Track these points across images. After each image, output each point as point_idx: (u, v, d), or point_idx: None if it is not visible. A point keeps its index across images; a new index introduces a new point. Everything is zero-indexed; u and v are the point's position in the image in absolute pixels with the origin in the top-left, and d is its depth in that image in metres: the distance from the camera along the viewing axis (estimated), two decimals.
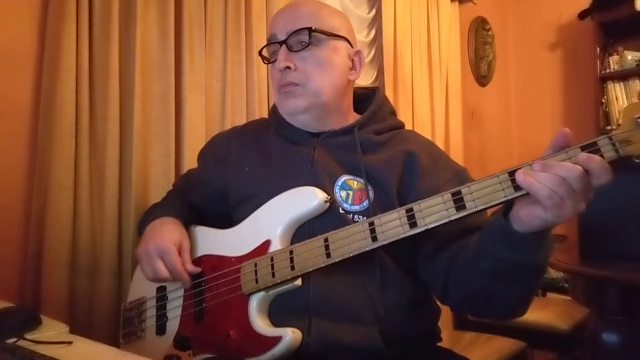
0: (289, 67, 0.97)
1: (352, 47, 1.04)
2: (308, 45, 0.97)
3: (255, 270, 0.91)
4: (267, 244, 0.93)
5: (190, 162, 1.48)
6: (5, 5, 1.23)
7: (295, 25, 0.97)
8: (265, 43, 1.04)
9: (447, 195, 0.77)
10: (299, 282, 0.88)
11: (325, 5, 1.05)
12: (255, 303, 0.91)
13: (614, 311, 1.58)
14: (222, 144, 1.15)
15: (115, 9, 1.35)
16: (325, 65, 0.98)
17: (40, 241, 1.23)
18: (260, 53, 1.06)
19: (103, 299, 1.30)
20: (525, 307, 0.85)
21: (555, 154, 0.70)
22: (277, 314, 0.91)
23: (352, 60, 1.04)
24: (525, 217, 0.71)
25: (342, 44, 1.02)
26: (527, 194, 0.70)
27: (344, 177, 0.96)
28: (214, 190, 1.10)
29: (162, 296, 1.05)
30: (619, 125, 0.69)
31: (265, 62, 1.05)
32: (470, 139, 3.06)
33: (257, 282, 0.90)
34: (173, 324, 1.01)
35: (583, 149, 0.68)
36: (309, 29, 0.96)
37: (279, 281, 0.88)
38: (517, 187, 0.71)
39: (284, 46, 0.98)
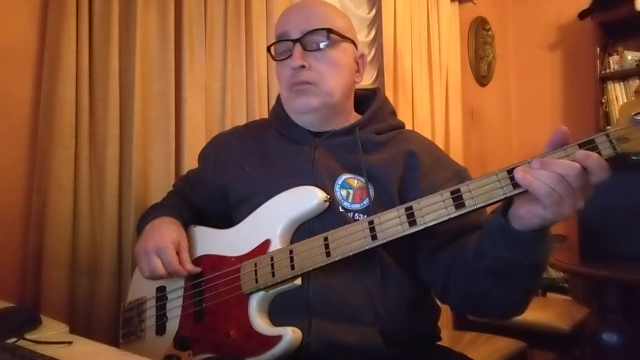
0: (303, 66, 0.97)
1: (357, 50, 1.06)
2: (326, 45, 0.98)
3: (255, 270, 0.91)
4: (266, 243, 0.93)
5: (190, 162, 1.48)
6: (5, 5, 1.23)
7: (311, 25, 0.98)
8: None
9: (447, 194, 0.77)
10: (299, 281, 0.88)
11: (335, 7, 1.06)
12: (255, 303, 0.91)
13: (614, 311, 1.58)
14: (222, 144, 1.15)
15: (115, 9, 1.35)
16: (337, 66, 0.99)
17: (40, 241, 1.23)
18: (268, 49, 1.05)
19: (103, 299, 1.30)
20: (525, 307, 0.85)
21: (553, 151, 0.70)
22: (277, 313, 0.91)
23: (357, 63, 1.06)
24: (525, 216, 0.71)
25: (350, 47, 1.04)
26: (526, 191, 0.70)
27: (345, 176, 0.96)
28: (214, 190, 1.10)
29: (161, 296, 1.05)
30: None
31: (276, 59, 1.03)
32: (470, 139, 3.06)
33: (257, 281, 0.90)
34: (173, 324, 1.01)
35: (581, 146, 0.69)
36: (328, 30, 0.97)
37: (279, 281, 0.88)
38: (515, 185, 0.71)
39: (298, 45, 0.98)
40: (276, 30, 1.03)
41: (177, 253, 0.99)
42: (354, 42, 1.05)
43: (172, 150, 1.47)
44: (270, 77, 1.77)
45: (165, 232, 1.01)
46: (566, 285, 2.82)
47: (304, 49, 0.98)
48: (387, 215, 0.82)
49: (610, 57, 3.04)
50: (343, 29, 1.02)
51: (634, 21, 2.83)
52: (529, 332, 1.84)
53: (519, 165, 0.71)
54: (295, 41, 0.98)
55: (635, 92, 2.86)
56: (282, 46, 1.01)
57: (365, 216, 0.90)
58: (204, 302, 0.97)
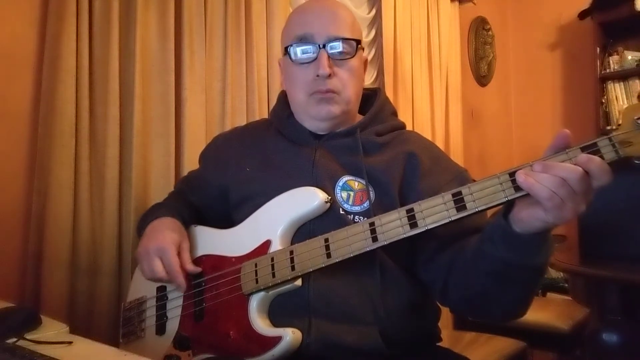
0: (330, 74, 0.95)
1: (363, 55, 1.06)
2: (352, 56, 0.97)
3: (256, 271, 0.91)
4: (267, 244, 0.93)
5: (190, 162, 1.48)
6: (5, 5, 1.23)
7: (338, 33, 0.96)
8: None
9: (448, 196, 0.77)
10: (299, 282, 0.88)
11: (351, 12, 1.05)
12: (255, 303, 0.91)
13: (614, 311, 1.58)
14: (223, 145, 1.15)
15: (115, 9, 1.35)
16: (356, 75, 1.00)
17: (40, 241, 1.23)
18: (286, 49, 1.00)
19: (103, 299, 1.30)
20: (525, 309, 0.85)
21: (555, 154, 0.70)
22: (277, 314, 0.90)
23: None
24: (526, 219, 0.71)
25: (362, 54, 1.04)
26: (528, 194, 0.70)
27: (345, 178, 0.96)
28: (215, 191, 1.10)
29: (162, 296, 1.04)
30: (619, 125, 0.69)
31: (295, 60, 0.98)
32: (470, 139, 3.06)
33: (257, 282, 0.90)
34: (173, 324, 1.01)
35: (583, 149, 0.68)
36: (357, 42, 0.98)
37: (279, 281, 0.88)
38: (517, 188, 0.71)
39: (324, 51, 0.95)
40: (295, 29, 0.99)
41: (178, 254, 0.99)
42: (363, 48, 1.05)
43: (172, 150, 1.47)
44: (270, 77, 1.77)
45: (167, 233, 1.00)
46: (566, 285, 2.82)
47: (331, 56, 0.96)
48: (388, 217, 0.82)
49: (610, 57, 3.04)
50: (360, 37, 1.02)
51: (634, 21, 2.83)
52: (529, 332, 1.84)
53: (521, 168, 0.71)
54: (320, 46, 0.96)
55: (639, 96, 2.86)
56: (305, 49, 0.98)
57: (366, 218, 0.90)
58: (204, 302, 0.97)
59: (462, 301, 0.89)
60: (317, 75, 0.95)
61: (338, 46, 0.96)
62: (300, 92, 0.99)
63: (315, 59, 0.96)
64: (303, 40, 0.97)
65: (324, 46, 0.95)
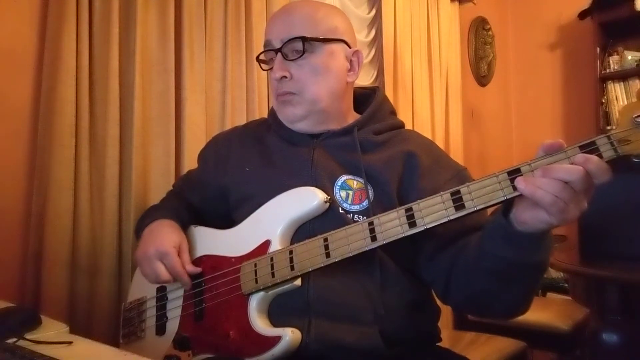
0: (285, 77, 0.97)
1: (350, 48, 1.03)
2: (303, 54, 0.96)
3: (255, 271, 0.91)
4: (266, 244, 0.93)
5: (190, 162, 1.48)
6: (5, 5, 1.23)
7: (290, 34, 0.96)
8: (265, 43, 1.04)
9: (446, 195, 0.77)
10: (298, 282, 0.88)
11: (321, 7, 1.03)
12: (254, 303, 0.91)
13: (614, 311, 1.57)
14: (222, 144, 1.15)
15: (115, 9, 1.35)
16: (321, 72, 0.98)
17: (40, 241, 1.23)
18: (257, 59, 1.05)
19: (103, 299, 1.30)
20: (527, 306, 0.85)
21: (554, 154, 0.70)
22: (277, 314, 0.91)
23: (350, 61, 1.03)
24: (530, 221, 0.71)
25: (339, 47, 1.01)
26: None
27: (344, 177, 0.96)
28: (214, 191, 1.10)
29: (162, 296, 1.05)
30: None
31: (264, 68, 1.04)
32: (470, 139, 3.06)
33: (256, 282, 0.90)
34: (173, 324, 1.01)
35: (582, 148, 0.68)
36: (303, 39, 0.96)
37: (279, 281, 0.88)
38: (516, 187, 0.71)
39: (279, 55, 0.97)
40: (264, 37, 1.03)
41: (178, 255, 0.99)
42: (344, 41, 1.01)
43: (172, 150, 1.47)
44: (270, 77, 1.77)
45: (166, 236, 1.01)
46: (566, 285, 2.81)
47: (285, 58, 0.97)
48: (387, 216, 0.82)
49: (610, 57, 3.03)
50: (329, 29, 0.99)
51: (634, 21, 2.82)
52: (529, 332, 1.84)
53: (519, 167, 0.71)
54: (277, 51, 0.98)
55: (638, 94, 2.86)
56: (268, 55, 1.01)
57: (365, 217, 0.90)
58: (203, 303, 0.98)
59: (464, 300, 0.89)
60: (275, 80, 0.98)
61: (291, 46, 0.97)
62: (272, 98, 1.03)
63: None
64: (266, 46, 1.01)
65: (280, 50, 0.97)
